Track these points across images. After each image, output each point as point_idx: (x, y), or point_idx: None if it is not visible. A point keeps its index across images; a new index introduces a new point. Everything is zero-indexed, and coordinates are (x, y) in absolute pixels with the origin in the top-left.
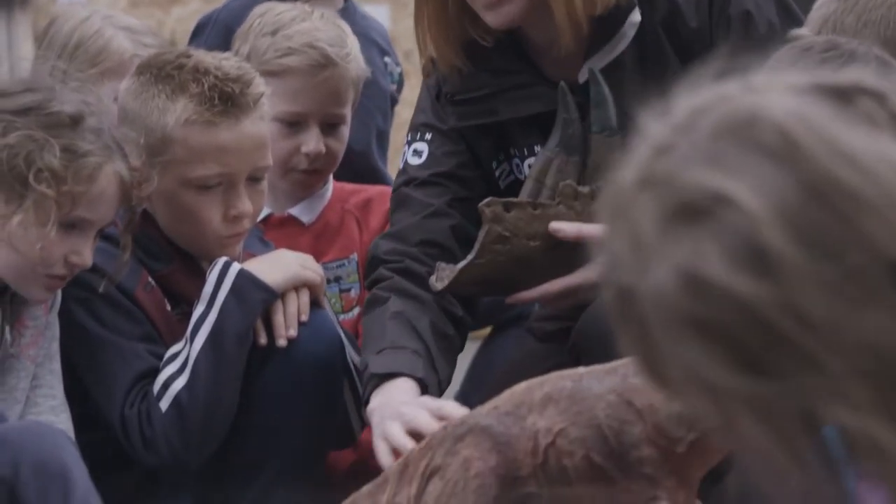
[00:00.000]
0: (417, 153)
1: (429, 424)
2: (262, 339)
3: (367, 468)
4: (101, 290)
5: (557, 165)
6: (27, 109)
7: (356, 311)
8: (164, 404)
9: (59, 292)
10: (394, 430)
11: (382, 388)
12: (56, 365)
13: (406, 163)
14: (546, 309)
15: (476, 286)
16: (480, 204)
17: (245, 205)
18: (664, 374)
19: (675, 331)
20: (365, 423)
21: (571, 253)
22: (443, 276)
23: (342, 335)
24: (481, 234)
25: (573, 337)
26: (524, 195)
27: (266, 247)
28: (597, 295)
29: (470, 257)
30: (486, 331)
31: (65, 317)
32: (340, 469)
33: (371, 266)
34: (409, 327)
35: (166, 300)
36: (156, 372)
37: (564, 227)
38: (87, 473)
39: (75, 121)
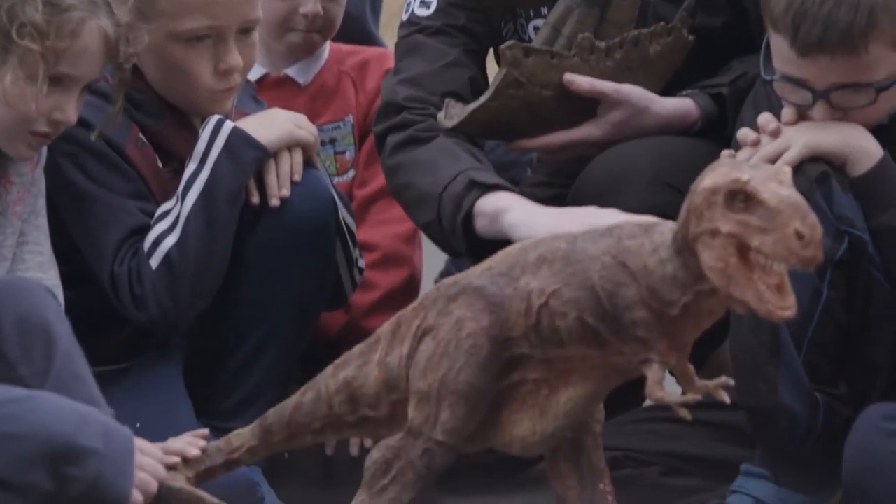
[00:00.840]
0: (425, 4)
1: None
2: (255, 199)
3: (358, 330)
4: (92, 137)
5: (577, 16)
6: None
7: (351, 173)
8: (155, 262)
9: (45, 148)
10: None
11: (494, 196)
12: (42, 221)
13: (413, 13)
14: (539, 174)
15: (484, 129)
16: (502, 46)
17: (235, 58)
18: None
19: None
20: (356, 284)
21: (580, 107)
22: (453, 115)
23: (335, 196)
24: (497, 77)
25: (570, 196)
26: (539, 42)
27: (259, 105)
28: (596, 153)
29: (483, 99)
30: None
31: (53, 172)
32: (332, 330)
33: (389, 110)
34: (475, 156)
35: (157, 157)
36: (146, 229)
37: (578, 80)
38: (71, 328)
39: None
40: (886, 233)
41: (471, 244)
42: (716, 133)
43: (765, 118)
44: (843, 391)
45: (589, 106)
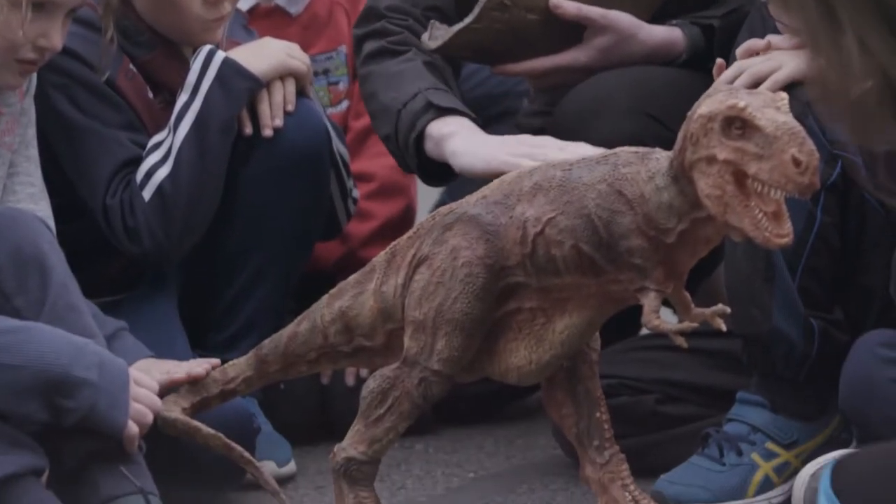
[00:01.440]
0: None
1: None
2: (248, 129)
3: (355, 261)
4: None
5: None
6: None
7: (344, 104)
8: (147, 193)
9: (34, 77)
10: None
11: (446, 120)
12: (33, 152)
13: None
14: (535, 104)
15: (468, 51)
16: None
17: None
18: None
19: None
20: (350, 215)
21: (566, 32)
22: (437, 36)
23: (329, 126)
24: None
25: (549, 125)
26: None
27: (250, 35)
28: (582, 80)
29: (468, 20)
30: None
31: (44, 104)
32: (328, 261)
33: (369, 15)
34: (443, 77)
35: (148, 88)
36: (138, 161)
37: (564, 5)
38: (65, 259)
39: None
40: (876, 157)
41: (421, 163)
42: (701, 66)
43: (757, 42)
44: (839, 317)
45: (575, 31)
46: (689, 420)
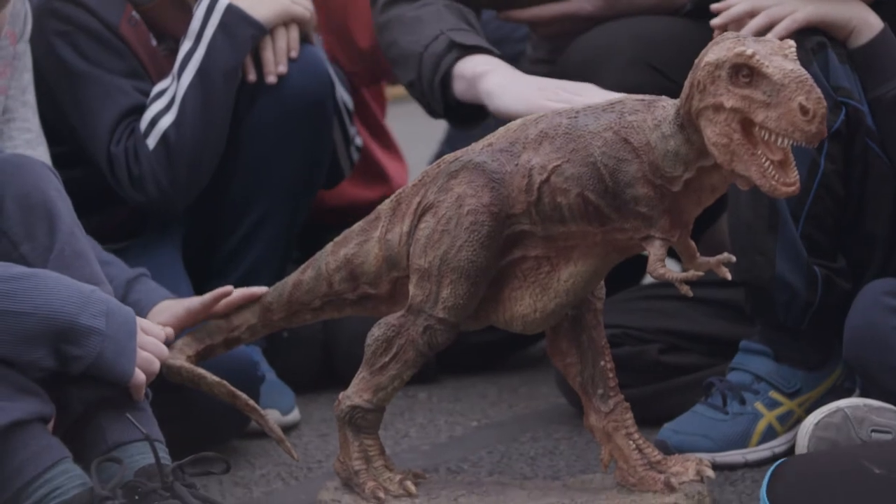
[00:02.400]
0: None
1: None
2: (252, 76)
3: (358, 209)
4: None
5: None
6: None
7: None
8: (152, 141)
9: (29, 22)
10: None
11: (475, 59)
12: (30, 97)
13: None
14: (539, 51)
15: None
16: None
17: None
18: None
19: None
20: (353, 163)
21: None
22: None
23: (332, 72)
24: None
25: (557, 66)
26: None
27: None
28: (587, 27)
29: None
30: None
31: (47, 51)
32: (331, 209)
33: None
34: (465, 18)
35: (151, 35)
36: (142, 109)
37: None
38: (72, 206)
39: None
40: (884, 105)
41: (448, 106)
42: (706, 15)
43: None
44: (841, 265)
45: None
46: (692, 369)
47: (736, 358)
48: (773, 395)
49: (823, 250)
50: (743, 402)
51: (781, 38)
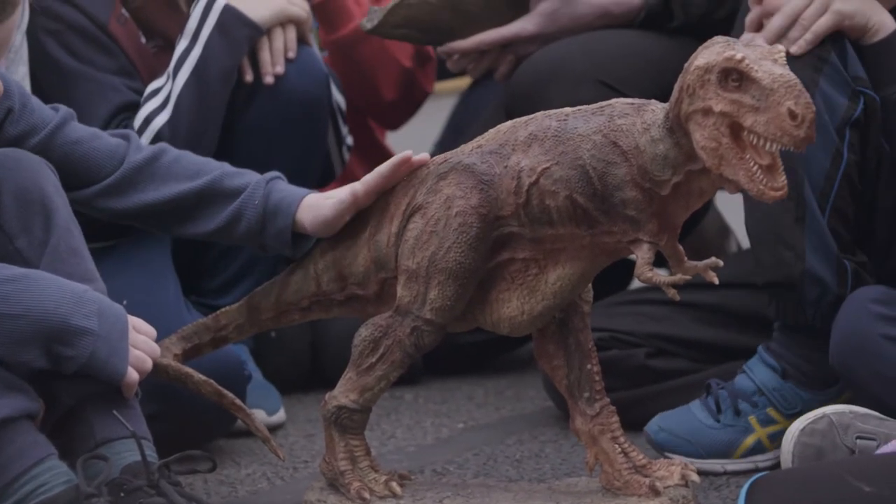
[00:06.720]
0: None
1: None
2: (249, 77)
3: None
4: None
5: None
6: None
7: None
8: (146, 140)
9: (26, 13)
10: None
11: None
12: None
13: None
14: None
15: (407, 29)
16: None
17: None
18: None
19: None
20: (345, 163)
21: (507, 4)
22: (373, 17)
23: (328, 73)
24: None
25: (504, 96)
26: None
27: None
28: (531, 50)
29: None
30: (465, 81)
31: (37, 50)
32: None
33: None
34: None
35: (141, 33)
36: (135, 106)
37: None
38: (68, 203)
39: None
40: (890, 105)
41: None
42: (660, 25)
43: None
44: (864, 258)
45: (516, 2)
46: (679, 374)
47: (751, 360)
48: (771, 412)
49: (846, 244)
50: (738, 413)
51: (826, 31)
